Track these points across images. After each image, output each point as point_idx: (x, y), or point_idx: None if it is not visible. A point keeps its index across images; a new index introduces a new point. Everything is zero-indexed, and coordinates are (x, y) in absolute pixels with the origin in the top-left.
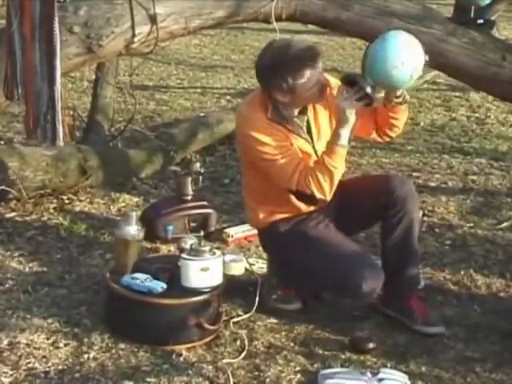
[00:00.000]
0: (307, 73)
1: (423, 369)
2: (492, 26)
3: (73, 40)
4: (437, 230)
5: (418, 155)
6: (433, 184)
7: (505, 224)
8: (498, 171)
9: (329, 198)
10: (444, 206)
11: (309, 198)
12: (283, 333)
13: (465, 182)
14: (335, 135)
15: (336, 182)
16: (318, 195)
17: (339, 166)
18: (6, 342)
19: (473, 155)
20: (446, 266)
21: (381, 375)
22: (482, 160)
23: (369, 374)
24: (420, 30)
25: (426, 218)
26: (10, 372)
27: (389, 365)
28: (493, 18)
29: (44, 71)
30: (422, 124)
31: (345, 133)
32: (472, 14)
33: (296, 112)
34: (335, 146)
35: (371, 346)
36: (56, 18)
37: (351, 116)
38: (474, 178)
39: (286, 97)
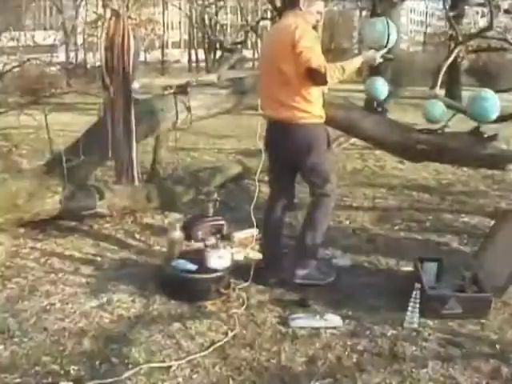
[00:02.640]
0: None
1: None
2: (386, 112)
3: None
4: (357, 232)
5: (346, 188)
6: (355, 204)
7: (396, 227)
8: (391, 196)
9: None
10: (361, 217)
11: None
12: (267, 294)
13: (373, 203)
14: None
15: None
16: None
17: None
18: (105, 299)
19: (377, 187)
20: (363, 252)
21: (325, 317)
22: (382, 190)
23: (318, 317)
24: (345, 114)
25: (351, 225)
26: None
27: (329, 311)
28: (387, 107)
29: (125, 141)
30: (348, 169)
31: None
32: (375, 105)
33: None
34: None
35: (310, 302)
36: (132, 111)
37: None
38: (379, 200)
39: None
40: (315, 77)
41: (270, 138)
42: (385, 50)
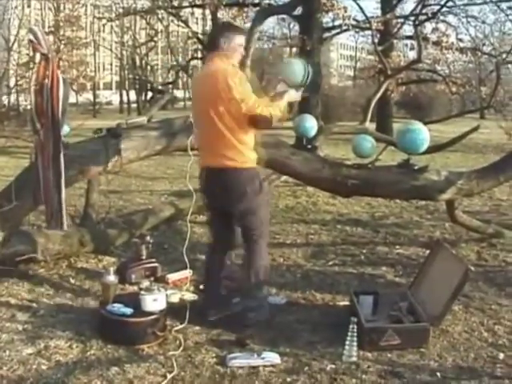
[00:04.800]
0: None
1: (288, 349)
2: (316, 149)
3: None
4: (291, 269)
5: (279, 225)
6: (288, 242)
7: (330, 262)
8: (325, 232)
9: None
10: (295, 254)
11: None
12: (204, 335)
13: (306, 240)
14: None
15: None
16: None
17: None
18: (43, 345)
19: (310, 223)
20: (298, 289)
21: (263, 355)
22: (315, 226)
23: (255, 355)
24: (274, 152)
25: (285, 262)
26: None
27: (267, 349)
28: (316, 144)
29: (55, 185)
30: (280, 206)
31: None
32: (304, 143)
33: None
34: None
35: (247, 341)
36: (62, 155)
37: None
38: (312, 236)
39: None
40: (259, 122)
41: (206, 185)
42: (301, 90)
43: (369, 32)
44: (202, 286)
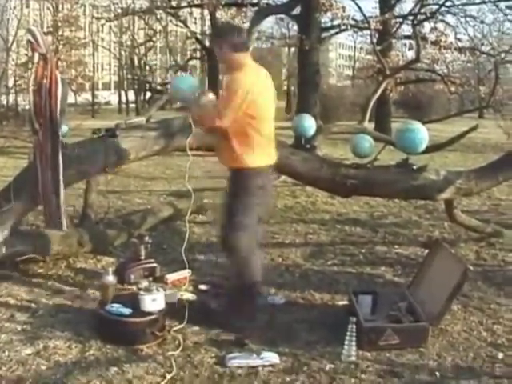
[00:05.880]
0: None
1: (287, 349)
2: (314, 149)
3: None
4: (290, 269)
5: (277, 225)
6: (287, 241)
7: (329, 262)
8: (324, 231)
9: None
10: (294, 254)
11: None
12: (202, 335)
13: (305, 239)
14: None
15: None
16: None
17: None
18: (41, 345)
19: (309, 223)
20: (296, 288)
21: (262, 355)
22: (314, 225)
23: (254, 355)
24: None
25: (284, 262)
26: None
27: (266, 348)
28: (315, 144)
29: (53, 186)
30: (279, 206)
31: None
32: (303, 142)
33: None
34: None
35: (246, 341)
36: (60, 155)
37: None
38: (311, 236)
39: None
40: None
41: None
42: None
43: (367, 32)
44: (201, 286)
